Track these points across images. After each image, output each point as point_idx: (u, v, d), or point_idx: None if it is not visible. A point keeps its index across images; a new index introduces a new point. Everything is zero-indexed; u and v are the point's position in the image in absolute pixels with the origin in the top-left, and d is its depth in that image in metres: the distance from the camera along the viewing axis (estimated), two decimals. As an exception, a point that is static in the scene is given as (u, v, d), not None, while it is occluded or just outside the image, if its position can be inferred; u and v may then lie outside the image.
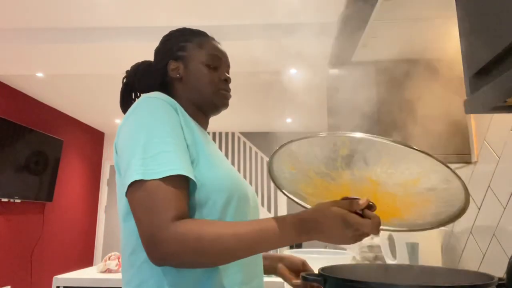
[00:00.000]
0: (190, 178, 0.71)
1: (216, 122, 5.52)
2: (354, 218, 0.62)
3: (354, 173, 0.68)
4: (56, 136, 4.77)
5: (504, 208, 1.07)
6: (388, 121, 1.35)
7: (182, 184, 0.70)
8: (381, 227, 0.77)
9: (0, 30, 2.94)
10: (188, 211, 0.72)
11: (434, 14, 1.18)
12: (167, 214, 0.65)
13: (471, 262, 1.25)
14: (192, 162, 0.75)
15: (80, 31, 2.94)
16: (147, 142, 0.71)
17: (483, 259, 1.18)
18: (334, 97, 2.21)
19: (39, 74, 3.75)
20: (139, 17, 2.80)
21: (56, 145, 4.74)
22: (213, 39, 0.96)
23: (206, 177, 0.75)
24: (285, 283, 1.83)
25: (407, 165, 0.66)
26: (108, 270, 2.07)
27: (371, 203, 0.65)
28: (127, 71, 0.98)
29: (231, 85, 0.95)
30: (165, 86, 0.94)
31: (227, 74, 0.94)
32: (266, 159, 6.13)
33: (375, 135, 0.63)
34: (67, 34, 2.95)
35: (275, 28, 2.86)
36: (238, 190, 0.80)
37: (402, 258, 1.39)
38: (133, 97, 0.97)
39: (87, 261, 5.65)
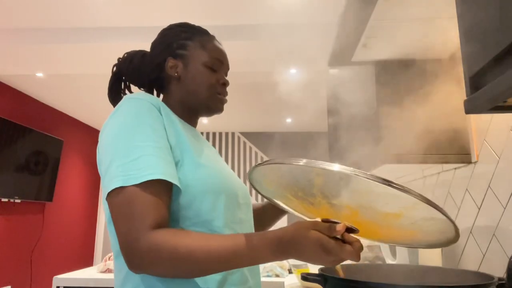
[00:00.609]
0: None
1: (216, 122, 5.52)
2: (332, 244, 0.59)
3: (331, 201, 0.63)
4: (56, 136, 4.77)
5: (504, 208, 1.07)
6: (387, 121, 1.35)
7: (163, 189, 0.68)
8: (369, 240, 0.74)
9: (0, 30, 2.94)
10: (169, 216, 0.70)
11: (434, 14, 1.18)
12: (144, 222, 0.64)
13: (471, 262, 1.25)
14: (176, 164, 0.74)
15: (80, 31, 2.94)
16: (127, 146, 0.69)
17: (483, 259, 1.18)
18: (334, 97, 2.21)
19: (39, 74, 3.75)
20: (139, 17, 2.80)
21: (56, 145, 4.74)
22: (214, 38, 0.94)
23: (190, 179, 0.73)
24: (285, 283, 1.83)
25: (387, 200, 0.61)
26: (108, 270, 2.07)
27: (352, 228, 0.61)
28: (119, 59, 0.93)
29: (231, 85, 0.94)
30: (160, 81, 0.91)
31: (225, 78, 0.92)
32: (266, 159, 6.13)
33: (352, 169, 0.57)
34: (67, 34, 2.95)
35: (275, 28, 2.86)
36: (225, 189, 0.78)
37: (402, 258, 1.39)
38: (122, 87, 0.93)
39: (87, 261, 5.65)
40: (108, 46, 2.97)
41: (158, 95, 0.96)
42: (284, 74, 3.66)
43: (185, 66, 0.88)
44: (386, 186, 0.55)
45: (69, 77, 3.94)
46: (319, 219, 0.63)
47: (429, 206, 0.57)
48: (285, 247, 0.61)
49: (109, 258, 2.14)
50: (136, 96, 0.77)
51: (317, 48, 2.86)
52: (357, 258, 0.60)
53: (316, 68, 3.26)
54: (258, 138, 6.25)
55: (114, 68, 0.93)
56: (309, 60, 3.12)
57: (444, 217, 0.59)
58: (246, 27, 2.90)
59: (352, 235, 0.61)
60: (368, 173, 0.56)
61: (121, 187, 0.66)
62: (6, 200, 3.97)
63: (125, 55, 0.93)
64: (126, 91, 0.94)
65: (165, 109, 0.79)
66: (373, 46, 1.38)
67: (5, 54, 3.15)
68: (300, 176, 0.65)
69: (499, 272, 1.06)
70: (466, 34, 0.63)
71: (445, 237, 0.65)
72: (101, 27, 2.93)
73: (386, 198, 0.60)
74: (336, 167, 0.58)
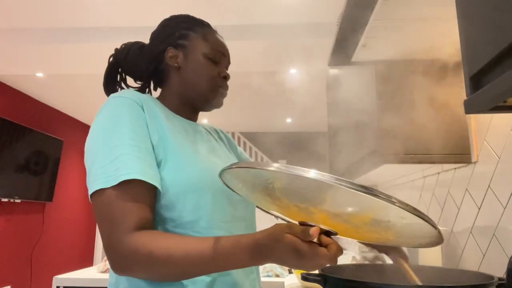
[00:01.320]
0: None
1: (216, 122, 5.52)
2: (305, 248, 0.54)
3: (298, 205, 0.59)
4: (56, 136, 4.77)
5: (504, 208, 1.07)
6: (387, 121, 1.35)
7: (144, 189, 0.67)
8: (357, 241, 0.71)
9: (0, 30, 2.94)
10: (153, 215, 0.69)
11: (434, 14, 1.18)
12: (124, 225, 0.63)
13: (471, 262, 1.25)
14: (160, 163, 0.72)
15: (80, 31, 2.94)
16: (106, 147, 0.68)
17: (483, 259, 1.18)
18: (334, 97, 2.21)
19: (39, 74, 3.75)
20: (139, 17, 2.80)
21: (56, 145, 4.74)
22: (216, 31, 0.92)
23: (173, 178, 0.71)
24: (284, 283, 1.83)
25: (349, 202, 0.55)
26: (108, 270, 2.07)
27: (330, 230, 0.57)
28: (116, 49, 0.90)
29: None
30: (158, 73, 0.89)
31: (226, 71, 0.90)
32: (266, 159, 6.13)
33: (304, 169, 0.50)
34: (67, 34, 2.95)
35: (275, 28, 2.87)
36: (213, 187, 0.74)
37: (402, 258, 1.39)
38: (118, 79, 0.91)
39: (87, 261, 5.65)
40: (108, 46, 2.95)
41: (155, 89, 0.94)
42: (284, 74, 3.66)
43: (186, 56, 0.85)
44: (340, 187, 0.48)
45: (69, 77, 3.94)
46: (296, 222, 0.60)
47: (400, 209, 0.50)
48: (262, 251, 0.58)
49: (109, 258, 2.14)
50: (118, 95, 0.76)
51: (317, 48, 2.86)
52: (333, 261, 0.56)
53: (316, 68, 3.26)
54: (258, 138, 6.25)
55: (111, 59, 0.90)
56: (309, 60, 3.12)
57: (418, 219, 0.52)
58: (246, 27, 2.90)
59: (332, 237, 0.58)
60: (322, 175, 0.49)
61: (102, 189, 0.65)
62: (6, 200, 3.97)
63: (123, 45, 0.91)
64: (122, 84, 0.91)
65: (149, 105, 0.77)
66: (373, 46, 1.38)
67: (5, 54, 3.15)
68: (261, 180, 0.59)
69: (499, 272, 1.06)
70: (466, 34, 0.63)
71: (428, 237, 0.61)
72: (101, 27, 2.93)
73: (347, 200, 0.54)
74: (313, 173, 0.50)
